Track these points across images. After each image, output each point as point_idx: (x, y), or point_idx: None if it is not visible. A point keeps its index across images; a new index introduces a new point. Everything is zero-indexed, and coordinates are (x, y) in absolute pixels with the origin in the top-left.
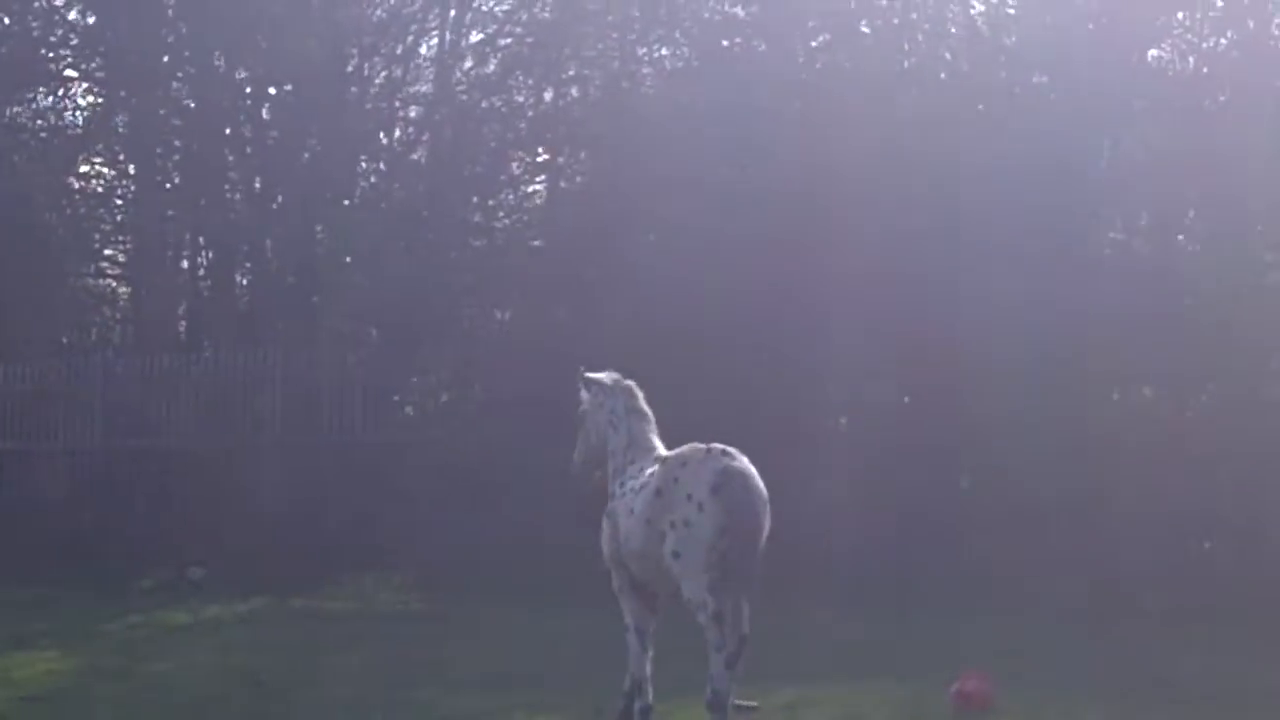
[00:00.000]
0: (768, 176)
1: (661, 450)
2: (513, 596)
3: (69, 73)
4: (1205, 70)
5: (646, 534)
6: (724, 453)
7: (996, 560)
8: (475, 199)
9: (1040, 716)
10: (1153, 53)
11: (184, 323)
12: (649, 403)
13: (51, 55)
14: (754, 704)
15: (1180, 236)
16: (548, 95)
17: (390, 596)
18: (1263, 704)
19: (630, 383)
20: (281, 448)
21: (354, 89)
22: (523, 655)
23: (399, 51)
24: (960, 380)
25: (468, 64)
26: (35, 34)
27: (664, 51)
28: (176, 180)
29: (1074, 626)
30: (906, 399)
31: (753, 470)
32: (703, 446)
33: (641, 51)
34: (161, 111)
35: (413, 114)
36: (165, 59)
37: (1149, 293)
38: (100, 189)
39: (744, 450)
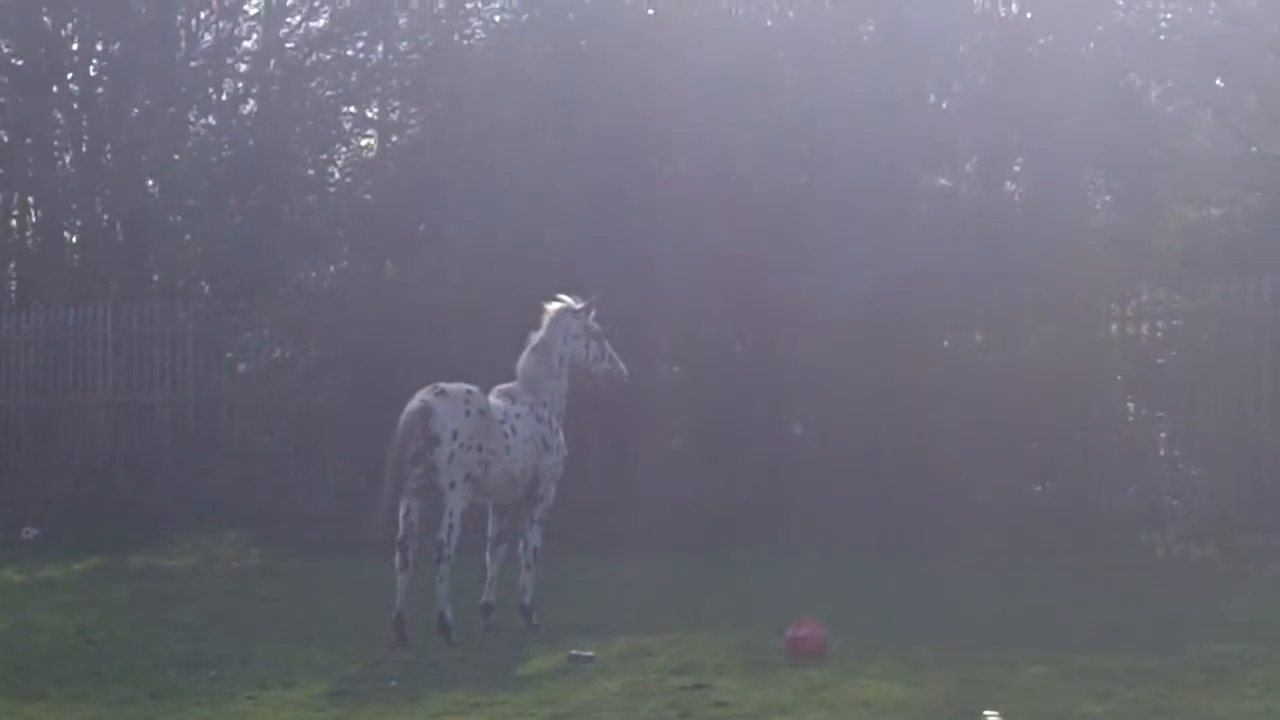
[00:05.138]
0: (597, 126)
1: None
2: (350, 551)
3: None
4: (1028, 15)
5: None
6: (435, 389)
7: (830, 505)
8: (307, 153)
9: (873, 661)
10: None
11: (14, 281)
12: (481, 359)
13: None
14: (590, 654)
15: (1008, 183)
16: (379, 49)
17: (227, 552)
18: (1095, 643)
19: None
20: (112, 406)
21: (182, 44)
22: (364, 607)
23: (225, 2)
24: (793, 327)
25: (296, 19)
26: None
27: (495, 3)
28: (4, 138)
29: (907, 570)
30: (738, 347)
31: (437, 407)
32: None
33: (470, 4)
34: None
35: (242, 69)
36: None
37: (976, 239)
38: None
39: (580, 402)
